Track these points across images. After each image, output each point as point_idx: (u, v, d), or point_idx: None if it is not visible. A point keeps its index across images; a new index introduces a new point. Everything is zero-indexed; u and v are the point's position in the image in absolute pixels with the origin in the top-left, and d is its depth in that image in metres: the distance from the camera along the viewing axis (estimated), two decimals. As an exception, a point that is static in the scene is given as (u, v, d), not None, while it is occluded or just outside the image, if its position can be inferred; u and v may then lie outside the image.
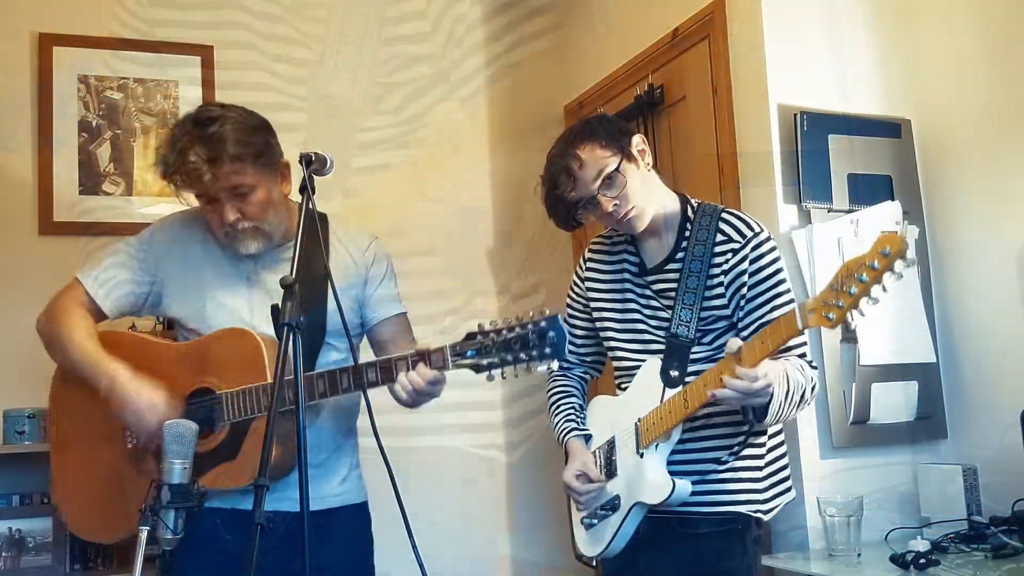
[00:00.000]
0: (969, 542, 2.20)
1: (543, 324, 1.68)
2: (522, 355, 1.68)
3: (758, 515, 1.94)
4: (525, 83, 3.72)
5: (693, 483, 1.88)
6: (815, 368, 1.95)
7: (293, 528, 1.84)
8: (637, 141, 1.98)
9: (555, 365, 1.70)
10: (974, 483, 2.36)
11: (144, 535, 1.55)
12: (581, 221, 2.01)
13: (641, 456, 1.91)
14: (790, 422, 2.20)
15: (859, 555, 2.22)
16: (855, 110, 2.65)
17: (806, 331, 1.71)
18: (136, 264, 2.03)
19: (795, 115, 2.55)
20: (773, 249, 1.96)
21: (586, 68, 3.57)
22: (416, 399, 1.83)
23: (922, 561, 2.03)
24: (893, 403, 2.51)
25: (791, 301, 1.94)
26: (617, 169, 1.93)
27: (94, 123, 3.11)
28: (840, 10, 2.69)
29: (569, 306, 2.20)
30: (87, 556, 2.76)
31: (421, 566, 1.65)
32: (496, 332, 1.71)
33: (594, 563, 2.01)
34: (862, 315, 1.59)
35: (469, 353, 1.73)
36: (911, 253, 1.54)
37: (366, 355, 2.14)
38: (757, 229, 1.97)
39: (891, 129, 2.68)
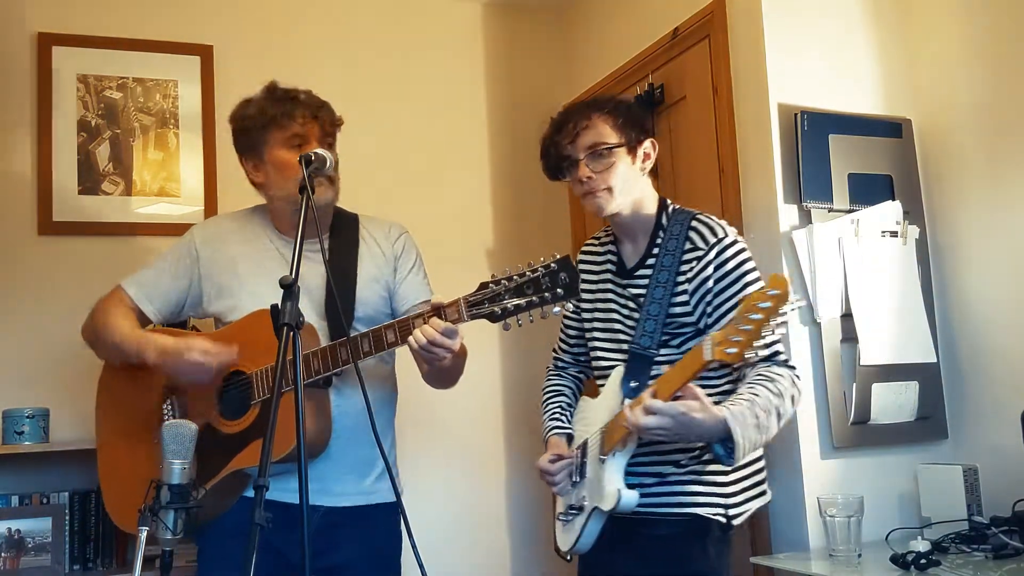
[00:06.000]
0: (970, 542, 2.20)
1: (554, 265, 1.68)
2: (535, 298, 1.69)
3: (718, 518, 1.92)
4: (525, 83, 3.72)
5: (652, 484, 1.91)
6: (793, 368, 1.94)
7: (323, 523, 1.94)
8: (648, 144, 2.02)
9: (569, 306, 1.70)
10: (974, 483, 2.35)
11: (144, 535, 1.55)
12: (561, 177, 2.06)
13: (602, 462, 1.92)
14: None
15: (859, 555, 2.21)
16: (855, 110, 2.65)
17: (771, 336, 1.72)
18: (175, 267, 2.12)
19: (795, 115, 2.55)
20: (739, 252, 1.95)
21: (586, 68, 3.57)
22: (431, 353, 1.81)
23: (923, 561, 2.03)
24: (893, 403, 2.51)
25: None
26: (611, 148, 1.97)
27: (93, 123, 3.11)
28: (840, 10, 2.69)
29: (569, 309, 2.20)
30: (87, 556, 2.76)
31: (421, 566, 1.65)
32: (508, 279, 1.72)
33: (568, 558, 2.02)
34: (757, 355, 1.67)
35: (483, 303, 1.74)
36: (793, 296, 1.61)
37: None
38: (722, 234, 1.96)
39: (891, 129, 2.68)
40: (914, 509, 2.48)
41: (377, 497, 2.05)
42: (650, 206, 2.05)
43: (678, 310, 1.95)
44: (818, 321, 2.48)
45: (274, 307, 1.57)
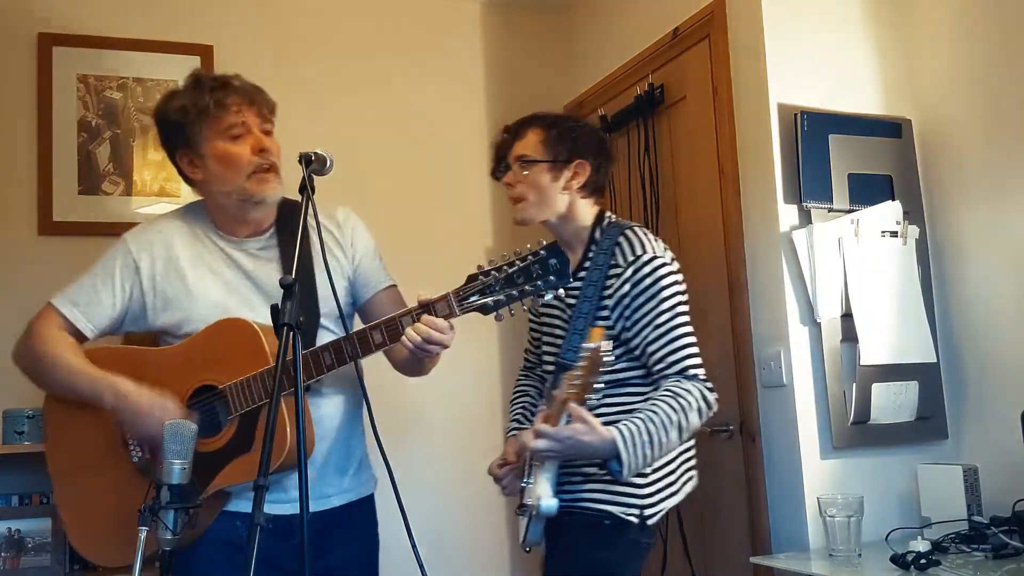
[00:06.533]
0: (969, 542, 2.20)
1: (543, 252, 1.66)
2: (527, 287, 1.66)
3: (631, 518, 1.97)
4: (525, 83, 3.72)
5: (579, 482, 2.00)
6: (704, 380, 1.97)
7: (310, 529, 1.86)
8: (575, 165, 2.08)
9: (561, 292, 1.71)
10: (974, 483, 2.36)
11: (143, 535, 1.55)
12: (498, 178, 2.20)
13: (536, 468, 1.98)
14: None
15: (859, 555, 2.21)
16: (855, 110, 2.65)
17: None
18: (113, 281, 1.97)
19: (795, 115, 2.55)
20: (657, 269, 1.99)
21: (586, 68, 3.57)
22: (426, 350, 1.77)
23: (922, 561, 2.03)
24: (893, 403, 2.51)
25: (670, 320, 1.98)
26: (531, 161, 2.07)
27: (94, 123, 3.11)
28: (840, 10, 2.70)
29: (530, 308, 2.23)
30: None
31: (421, 565, 1.65)
32: (497, 269, 1.68)
33: (526, 549, 2.05)
34: (593, 399, 1.85)
35: (473, 296, 1.70)
36: (605, 349, 1.79)
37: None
38: (640, 252, 2.00)
39: (891, 129, 2.68)
40: (914, 509, 2.49)
41: (357, 492, 2.03)
42: (583, 220, 2.12)
43: (602, 324, 2.00)
44: (818, 321, 2.49)
45: (274, 307, 1.55)
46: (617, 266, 2.01)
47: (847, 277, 2.50)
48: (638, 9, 3.24)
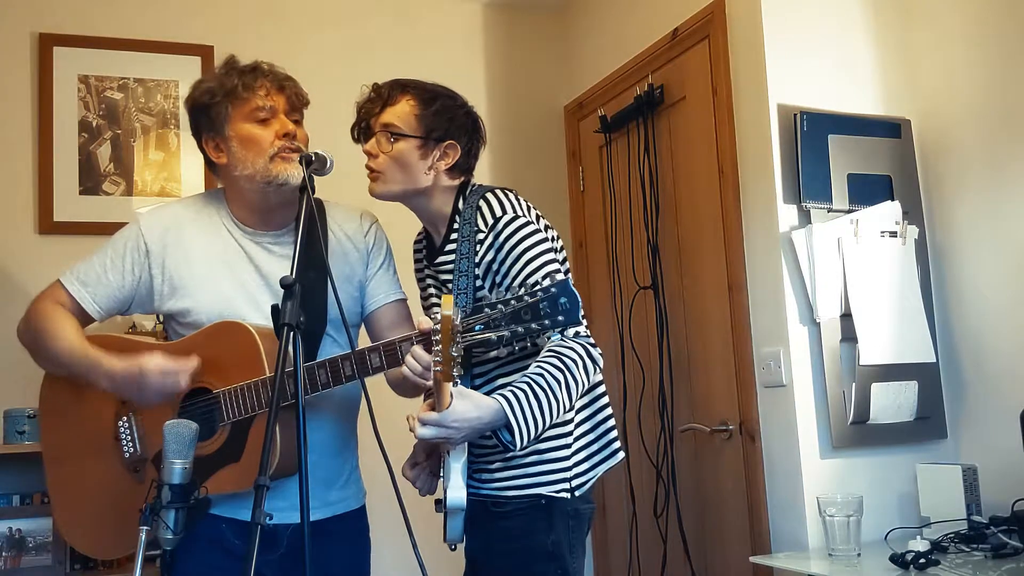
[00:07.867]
0: (969, 542, 2.20)
1: (554, 290, 1.59)
2: (534, 325, 1.58)
3: (563, 495, 1.88)
4: (525, 83, 3.72)
5: (497, 469, 1.89)
6: (586, 336, 1.86)
7: (296, 541, 1.80)
8: (447, 146, 1.97)
9: (570, 332, 1.61)
10: (974, 483, 2.36)
11: (144, 535, 1.55)
12: (358, 139, 2.02)
13: (446, 459, 1.87)
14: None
15: (859, 555, 2.22)
16: (855, 110, 2.65)
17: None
18: (122, 262, 1.95)
19: (795, 115, 2.55)
20: (519, 230, 1.88)
21: (586, 68, 3.57)
22: (425, 379, 1.73)
23: (922, 561, 2.04)
24: (893, 403, 2.52)
25: (541, 280, 1.79)
26: (399, 134, 1.94)
27: (94, 123, 3.12)
28: (840, 10, 2.70)
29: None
30: (87, 556, 2.76)
31: (421, 566, 1.65)
32: (504, 303, 1.61)
33: (452, 547, 1.96)
34: (460, 372, 1.66)
35: (477, 327, 1.63)
36: (458, 313, 1.60)
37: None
38: (500, 213, 1.90)
39: (891, 129, 2.68)
40: (913, 509, 2.49)
41: (347, 504, 1.99)
42: (446, 195, 2.00)
43: (481, 295, 1.89)
44: (817, 321, 2.49)
45: (275, 307, 1.54)
46: (480, 232, 1.90)
47: (846, 277, 2.50)
48: (638, 9, 3.24)
